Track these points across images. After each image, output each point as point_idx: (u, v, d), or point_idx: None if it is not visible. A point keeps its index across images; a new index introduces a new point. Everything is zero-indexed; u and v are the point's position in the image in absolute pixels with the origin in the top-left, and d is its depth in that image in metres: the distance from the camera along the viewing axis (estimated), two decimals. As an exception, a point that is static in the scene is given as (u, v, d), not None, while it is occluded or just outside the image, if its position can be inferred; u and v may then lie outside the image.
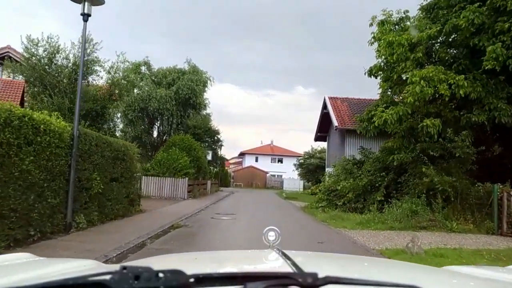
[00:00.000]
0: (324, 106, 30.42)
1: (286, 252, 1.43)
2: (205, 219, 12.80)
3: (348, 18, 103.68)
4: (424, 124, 11.80)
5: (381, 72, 15.40)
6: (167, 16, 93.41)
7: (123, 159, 11.53)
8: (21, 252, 1.71)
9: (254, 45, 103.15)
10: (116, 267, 0.78)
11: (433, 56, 13.71)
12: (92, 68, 21.22)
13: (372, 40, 16.04)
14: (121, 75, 20.98)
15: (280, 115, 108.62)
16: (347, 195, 15.10)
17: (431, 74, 11.75)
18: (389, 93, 15.54)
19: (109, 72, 20.66)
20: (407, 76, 12.53)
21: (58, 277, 0.80)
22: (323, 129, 32.70)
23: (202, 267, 1.50)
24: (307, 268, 1.12)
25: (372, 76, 16.26)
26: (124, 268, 0.73)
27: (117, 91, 21.40)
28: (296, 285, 0.76)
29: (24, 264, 1.48)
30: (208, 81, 41.28)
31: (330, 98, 29.87)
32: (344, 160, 17.62)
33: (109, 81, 20.93)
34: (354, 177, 15.82)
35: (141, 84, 39.63)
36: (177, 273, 0.73)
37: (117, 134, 32.07)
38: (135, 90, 40.21)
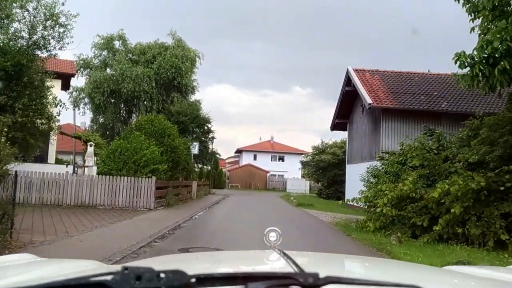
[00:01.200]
0: (347, 82, 22.81)
1: (287, 252, 1.36)
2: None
3: (346, 19, 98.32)
4: None
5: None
6: (164, 15, 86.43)
7: None
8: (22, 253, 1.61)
9: (251, 45, 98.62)
10: (117, 267, 0.78)
11: None
12: (10, 9, 13.57)
13: None
14: (47, 14, 13.12)
15: (277, 116, 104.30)
16: (452, 209, 7.42)
17: None
18: None
19: (22, 7, 12.90)
20: None
21: (60, 278, 0.79)
22: (343, 114, 25.20)
23: (203, 267, 1.49)
24: (308, 268, 1.04)
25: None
26: (126, 268, 0.72)
27: (42, 42, 13.57)
28: (297, 285, 0.75)
29: (25, 265, 1.48)
30: (197, 59, 33.23)
31: (356, 71, 22.31)
32: (422, 148, 9.85)
33: (27, 23, 13.16)
34: (458, 175, 8.15)
35: (113, 61, 31.51)
36: (178, 273, 0.73)
37: (68, 120, 24.22)
38: (108, 70, 32.30)
